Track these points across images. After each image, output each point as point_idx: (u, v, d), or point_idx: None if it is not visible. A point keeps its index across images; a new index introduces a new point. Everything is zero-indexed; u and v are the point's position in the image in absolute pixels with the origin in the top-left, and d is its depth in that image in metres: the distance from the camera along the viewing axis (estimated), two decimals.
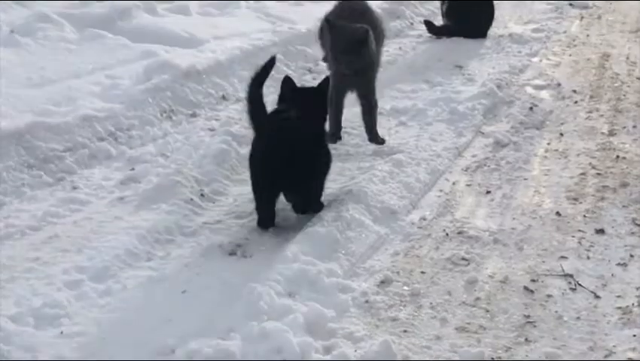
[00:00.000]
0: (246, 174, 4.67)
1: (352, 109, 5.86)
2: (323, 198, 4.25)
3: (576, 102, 6.16)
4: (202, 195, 4.37)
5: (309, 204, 4.12)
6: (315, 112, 4.10)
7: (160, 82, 5.64)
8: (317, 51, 7.06)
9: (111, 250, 3.69)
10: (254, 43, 6.76)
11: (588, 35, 8.43)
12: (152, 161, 4.76)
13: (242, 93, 6.01)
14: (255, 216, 4.11)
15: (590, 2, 10.02)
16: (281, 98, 4.17)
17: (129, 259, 3.64)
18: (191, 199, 4.28)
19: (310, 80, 6.53)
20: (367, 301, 3.40)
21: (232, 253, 3.80)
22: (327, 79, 4.30)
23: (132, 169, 4.68)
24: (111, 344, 3.06)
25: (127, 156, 4.86)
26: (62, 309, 3.24)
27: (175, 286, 3.44)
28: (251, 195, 4.37)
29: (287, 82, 4.18)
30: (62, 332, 3.12)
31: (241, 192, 4.49)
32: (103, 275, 3.50)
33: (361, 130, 5.47)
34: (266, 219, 4.03)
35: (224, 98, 5.92)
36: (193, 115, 5.58)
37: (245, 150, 4.90)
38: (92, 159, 4.79)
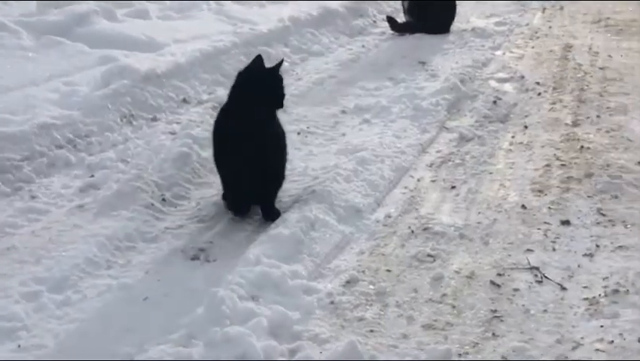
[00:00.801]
0: (208, 177, 4.64)
1: (315, 108, 5.84)
2: (287, 199, 4.20)
3: (539, 94, 6.15)
4: (163, 199, 4.30)
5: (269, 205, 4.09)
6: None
7: (119, 87, 5.54)
8: (279, 52, 7.02)
9: (70, 260, 3.61)
10: (214, 45, 6.68)
11: (550, 27, 8.45)
12: (112, 167, 4.67)
13: (204, 96, 5.99)
14: (218, 220, 4.07)
15: None
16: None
17: (88, 268, 3.56)
18: (152, 204, 4.20)
19: None
20: (332, 302, 3.35)
21: (194, 258, 3.73)
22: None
23: (92, 176, 4.59)
24: (70, 355, 2.99)
25: (87, 162, 4.77)
26: (19, 322, 3.15)
27: (135, 294, 3.37)
28: (214, 198, 4.33)
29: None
30: (19, 346, 3.03)
31: (203, 195, 4.43)
32: (62, 286, 3.42)
33: (326, 129, 5.44)
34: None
35: (184, 101, 5.84)
36: (154, 119, 5.50)
37: (207, 153, 4.86)
38: (50, 168, 4.69)
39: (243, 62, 6.58)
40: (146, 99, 5.65)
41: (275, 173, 4.12)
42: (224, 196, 4.22)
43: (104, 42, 6.55)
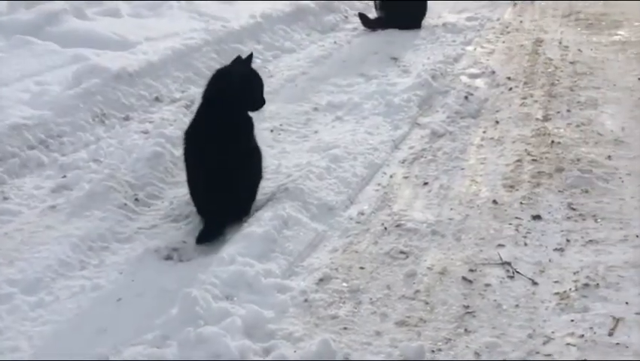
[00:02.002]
0: (181, 176, 4.63)
1: (287, 106, 5.84)
2: (260, 197, 4.21)
3: (510, 89, 6.19)
4: (136, 199, 4.29)
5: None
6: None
7: (91, 86, 5.52)
8: (250, 48, 7.01)
9: (43, 261, 3.60)
10: (186, 43, 6.67)
11: (521, 21, 8.49)
12: (84, 167, 4.66)
13: (176, 94, 5.98)
14: (192, 219, 4.07)
15: None
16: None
17: (61, 269, 3.56)
18: (125, 204, 4.20)
19: None
20: (306, 300, 3.37)
21: (168, 258, 3.74)
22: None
23: (64, 176, 4.58)
24: (44, 357, 2.98)
25: (59, 163, 4.75)
26: None
27: (109, 295, 3.37)
28: (187, 198, 4.33)
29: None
30: None
31: (176, 194, 4.44)
32: (35, 287, 3.42)
33: (298, 127, 5.45)
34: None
35: (157, 99, 5.83)
36: (126, 118, 5.48)
37: (180, 152, 4.85)
38: (23, 168, 4.67)
39: (215, 59, 6.62)
40: (118, 98, 5.63)
41: (242, 191, 4.06)
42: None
43: (75, 41, 6.52)
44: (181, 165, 4.72)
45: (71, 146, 4.97)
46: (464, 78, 6.44)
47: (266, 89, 6.10)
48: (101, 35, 6.77)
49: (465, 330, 3.17)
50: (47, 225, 4.01)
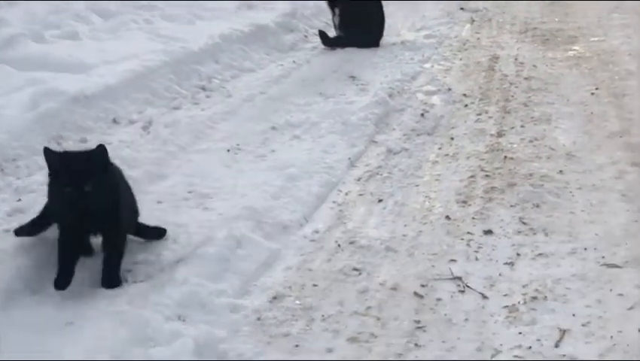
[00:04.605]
0: (138, 198, 4.63)
1: (245, 125, 5.86)
2: (215, 218, 4.22)
3: (466, 105, 6.27)
4: None
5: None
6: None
7: (47, 109, 5.51)
8: (209, 69, 7.05)
9: None
10: (145, 64, 6.67)
11: (479, 38, 8.60)
12: (39, 190, 4.62)
13: (134, 115, 5.99)
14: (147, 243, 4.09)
15: (481, 4, 10.26)
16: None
17: (12, 293, 3.54)
18: None
19: (204, 99, 6.51)
20: (258, 319, 3.39)
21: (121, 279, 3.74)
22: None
23: (19, 200, 4.56)
24: None
25: (14, 186, 4.73)
26: None
27: (59, 319, 3.36)
28: (143, 219, 4.33)
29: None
30: None
31: None
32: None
33: (255, 146, 5.47)
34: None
35: (114, 121, 5.83)
36: (83, 141, 5.47)
37: (136, 173, 4.87)
38: None
39: (173, 80, 6.65)
40: (75, 121, 5.62)
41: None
42: None
43: (32, 64, 6.50)
44: (137, 187, 4.74)
45: (26, 169, 4.95)
46: (420, 96, 6.52)
47: (224, 108, 6.22)
48: (58, 58, 6.75)
49: (415, 344, 3.21)
50: (0, 248, 3.99)
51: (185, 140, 5.51)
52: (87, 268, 3.81)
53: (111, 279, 3.65)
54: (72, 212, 3.60)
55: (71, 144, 5.36)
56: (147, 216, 4.38)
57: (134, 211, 4.03)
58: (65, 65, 6.56)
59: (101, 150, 3.66)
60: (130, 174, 4.76)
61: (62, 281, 3.54)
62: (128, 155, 5.06)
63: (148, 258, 3.91)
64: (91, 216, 3.62)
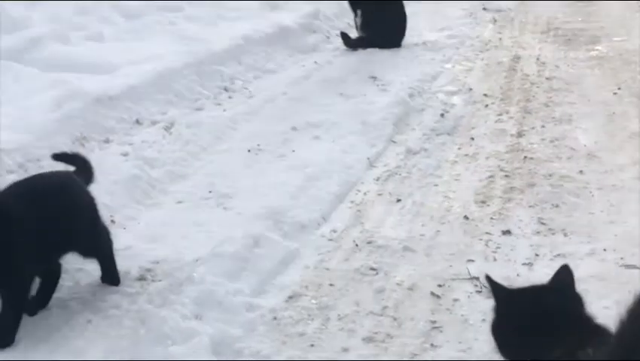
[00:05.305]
0: (158, 198, 4.71)
1: (266, 126, 5.90)
2: (234, 218, 4.25)
3: (487, 106, 6.27)
4: (112, 221, 4.33)
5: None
6: None
7: (71, 110, 5.57)
8: (232, 70, 7.10)
9: None
10: (168, 65, 6.73)
11: (500, 39, 8.59)
12: None
13: (157, 116, 6.04)
14: (168, 239, 4.12)
15: (504, 5, 10.24)
16: None
17: (34, 291, 3.59)
18: None
19: (226, 99, 6.55)
20: (275, 318, 3.42)
21: (141, 278, 3.77)
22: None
23: None
24: None
25: None
26: None
27: (80, 317, 3.40)
28: (163, 218, 4.38)
29: None
30: None
31: (154, 215, 4.49)
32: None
33: (276, 146, 5.50)
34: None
35: (137, 122, 5.88)
36: (106, 141, 5.53)
37: (158, 174, 4.92)
38: None
39: (196, 81, 6.70)
40: (98, 121, 5.68)
41: None
42: None
43: (57, 66, 6.56)
44: (159, 186, 4.81)
45: (49, 169, 5.00)
46: (441, 96, 6.53)
47: (246, 109, 6.26)
48: (83, 59, 6.82)
49: (431, 345, 3.22)
50: None
51: (207, 140, 5.55)
52: None
53: None
54: None
55: (95, 145, 5.43)
56: (168, 216, 4.44)
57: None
58: (89, 66, 6.62)
59: None
60: (152, 174, 4.84)
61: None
62: (150, 155, 5.11)
63: (168, 257, 3.95)
64: None
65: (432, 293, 3.59)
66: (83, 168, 3.80)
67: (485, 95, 6.52)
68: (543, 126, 5.70)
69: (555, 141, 5.41)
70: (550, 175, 4.82)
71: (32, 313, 3.40)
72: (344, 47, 8.28)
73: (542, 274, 3.69)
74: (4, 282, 3.21)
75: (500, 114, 6.04)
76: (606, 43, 8.15)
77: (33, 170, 4.95)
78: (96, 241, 3.63)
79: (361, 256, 3.96)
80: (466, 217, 4.34)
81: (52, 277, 3.54)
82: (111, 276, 3.69)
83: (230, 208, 4.50)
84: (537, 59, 7.58)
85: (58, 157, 3.90)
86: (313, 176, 4.82)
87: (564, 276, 2.59)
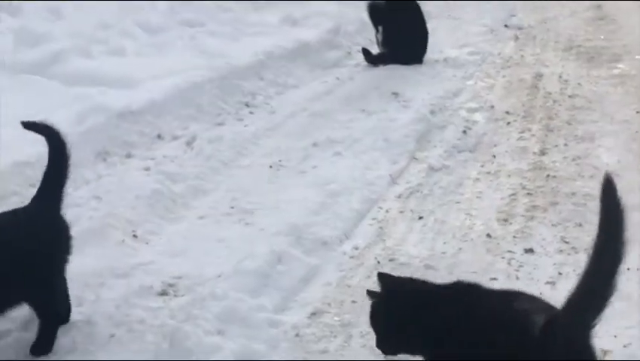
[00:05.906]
0: (180, 212, 4.71)
1: (287, 141, 5.90)
2: (256, 233, 4.26)
3: (509, 123, 6.25)
4: (134, 236, 4.36)
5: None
6: None
7: (94, 124, 5.61)
8: (253, 85, 7.12)
9: None
10: (190, 80, 6.76)
11: (522, 56, 8.56)
12: (84, 205, 4.72)
13: (178, 131, 6.06)
14: (190, 254, 4.13)
15: (525, 21, 10.21)
16: None
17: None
18: (123, 241, 4.26)
19: (247, 115, 6.57)
20: (297, 335, 3.42)
21: (163, 293, 3.78)
22: None
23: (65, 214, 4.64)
24: None
25: None
26: None
27: (103, 331, 3.41)
28: (185, 233, 4.39)
29: None
30: None
31: (176, 230, 4.50)
32: (30, 325, 3.46)
33: (297, 162, 5.50)
34: None
35: (159, 137, 5.90)
36: (128, 156, 5.56)
37: (179, 188, 4.93)
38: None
39: (218, 95, 6.73)
40: (120, 136, 5.71)
41: None
42: None
43: (79, 80, 6.60)
44: (180, 201, 4.82)
45: (71, 183, 5.01)
46: (462, 112, 6.51)
47: (267, 125, 6.28)
48: (105, 74, 6.85)
49: None
50: None
51: (228, 156, 5.57)
52: (133, 282, 3.87)
53: None
54: None
55: (117, 159, 5.45)
56: (190, 231, 4.45)
57: None
58: (111, 81, 6.65)
59: None
60: (173, 189, 4.85)
61: None
62: (171, 170, 5.12)
63: (190, 272, 3.95)
64: None
65: None
66: (54, 140, 3.71)
67: (507, 112, 6.50)
68: (565, 144, 5.68)
69: (577, 159, 5.38)
70: (573, 194, 4.79)
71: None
72: (365, 63, 8.28)
73: (566, 293, 3.69)
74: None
75: (522, 132, 6.02)
76: (628, 61, 8.11)
77: None
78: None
79: None
80: (488, 235, 4.32)
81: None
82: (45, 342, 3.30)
83: (251, 224, 4.51)
84: (560, 76, 7.55)
85: (28, 126, 3.77)
86: (335, 192, 4.82)
87: None
